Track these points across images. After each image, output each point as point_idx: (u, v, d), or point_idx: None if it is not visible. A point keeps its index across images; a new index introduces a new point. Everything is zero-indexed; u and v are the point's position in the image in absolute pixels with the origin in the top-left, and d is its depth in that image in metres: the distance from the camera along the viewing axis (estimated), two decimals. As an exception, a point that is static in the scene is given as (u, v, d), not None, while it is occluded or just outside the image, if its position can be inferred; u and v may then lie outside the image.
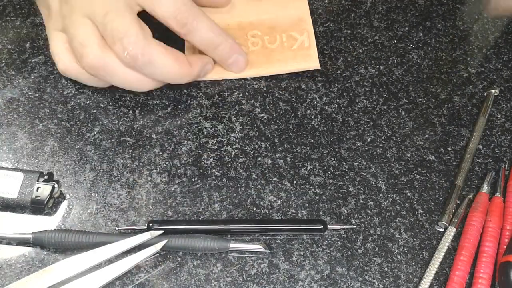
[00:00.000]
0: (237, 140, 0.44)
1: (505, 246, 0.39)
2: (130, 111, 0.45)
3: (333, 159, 0.44)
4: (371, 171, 0.43)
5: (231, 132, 0.44)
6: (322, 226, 0.40)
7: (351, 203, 0.42)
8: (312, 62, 0.47)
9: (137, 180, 0.42)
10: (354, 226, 0.41)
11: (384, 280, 0.39)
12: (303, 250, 0.40)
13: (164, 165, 0.42)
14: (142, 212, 0.40)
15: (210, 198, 0.41)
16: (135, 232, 0.39)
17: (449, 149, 0.45)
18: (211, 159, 0.43)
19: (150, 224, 0.39)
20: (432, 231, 0.41)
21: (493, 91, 0.47)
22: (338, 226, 0.41)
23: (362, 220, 0.41)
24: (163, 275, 0.38)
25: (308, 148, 0.44)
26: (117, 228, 0.39)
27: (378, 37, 0.50)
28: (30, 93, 0.45)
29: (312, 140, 0.44)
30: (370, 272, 0.39)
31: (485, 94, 0.47)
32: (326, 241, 0.40)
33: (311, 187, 0.42)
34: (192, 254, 0.39)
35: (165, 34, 0.42)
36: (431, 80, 0.48)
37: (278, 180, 0.42)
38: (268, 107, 0.46)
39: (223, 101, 0.46)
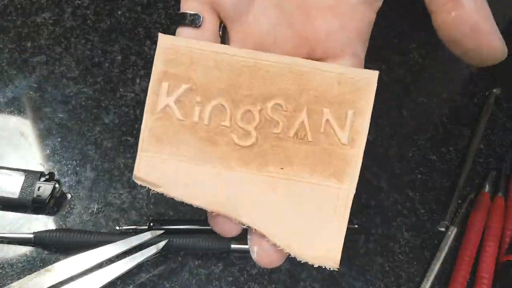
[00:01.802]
0: (238, 139, 0.44)
1: (507, 246, 0.39)
2: (131, 111, 0.44)
3: (334, 158, 0.44)
4: (373, 171, 0.43)
5: (232, 131, 0.44)
6: (323, 226, 0.40)
7: (353, 202, 0.42)
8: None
9: (138, 179, 0.42)
10: (356, 226, 0.41)
11: (386, 280, 0.39)
12: (304, 249, 0.40)
13: (165, 164, 0.42)
14: (143, 212, 0.40)
15: (211, 197, 0.41)
16: (136, 231, 0.39)
17: (451, 148, 0.45)
18: (212, 158, 0.43)
19: (151, 224, 0.39)
20: (433, 230, 0.41)
21: (494, 90, 0.47)
22: (339, 226, 0.40)
23: (364, 219, 0.41)
24: (164, 274, 0.38)
25: (309, 147, 0.44)
26: (118, 228, 0.39)
27: (380, 36, 0.50)
28: (31, 92, 0.45)
29: (314, 140, 0.44)
30: (371, 272, 0.39)
31: (486, 93, 0.47)
32: (328, 241, 0.40)
33: (313, 186, 0.42)
34: (193, 253, 0.39)
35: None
36: (433, 80, 0.48)
37: (279, 179, 0.42)
38: (269, 107, 0.46)
39: (224, 101, 0.46)
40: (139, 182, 0.28)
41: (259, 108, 0.27)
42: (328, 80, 0.27)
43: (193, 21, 0.28)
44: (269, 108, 0.27)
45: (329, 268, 0.28)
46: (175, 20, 0.29)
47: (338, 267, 0.28)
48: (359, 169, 0.27)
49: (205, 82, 0.27)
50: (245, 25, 0.28)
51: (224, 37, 0.29)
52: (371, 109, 0.28)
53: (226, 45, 0.28)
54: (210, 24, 0.28)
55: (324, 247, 0.28)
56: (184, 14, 0.27)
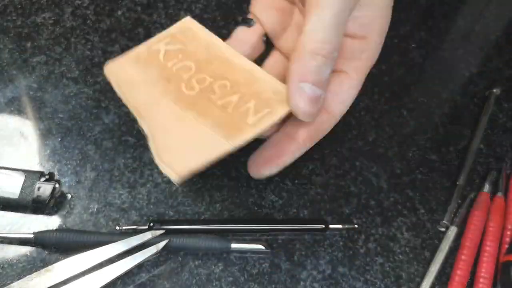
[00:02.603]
0: (238, 139, 0.44)
1: (507, 246, 0.39)
2: (131, 111, 0.44)
3: (334, 158, 0.44)
4: (373, 171, 0.43)
5: (232, 131, 0.44)
6: (323, 226, 0.40)
7: (353, 202, 0.42)
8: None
9: (138, 179, 0.42)
10: (356, 226, 0.41)
11: (386, 280, 0.39)
12: (304, 250, 0.40)
13: (165, 164, 0.42)
14: (143, 212, 0.40)
15: (212, 197, 0.41)
16: (136, 232, 0.39)
17: (451, 148, 0.45)
18: (213, 158, 0.43)
19: (151, 224, 0.39)
20: (433, 230, 0.41)
21: (494, 90, 0.47)
22: (339, 226, 0.41)
23: (364, 219, 0.41)
24: (165, 275, 0.38)
25: (309, 147, 0.44)
26: (118, 228, 0.39)
27: (380, 37, 0.50)
28: (31, 92, 0.45)
29: (314, 140, 0.44)
30: (371, 272, 0.39)
31: (486, 93, 0.47)
32: (328, 241, 0.40)
33: (313, 186, 0.42)
34: (194, 254, 0.39)
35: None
36: (433, 80, 0.48)
37: (279, 179, 0.42)
38: (269, 107, 0.46)
39: (224, 101, 0.46)
40: (106, 74, 0.39)
41: (211, 80, 0.37)
42: (269, 88, 0.37)
43: (248, 22, 0.41)
44: (217, 83, 0.37)
45: (171, 178, 0.34)
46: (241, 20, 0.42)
47: (177, 184, 0.37)
48: (245, 141, 0.35)
49: (192, 51, 0.39)
50: (280, 41, 0.41)
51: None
52: (283, 115, 0.36)
53: (218, 39, 0.40)
54: (258, 30, 0.41)
55: (178, 163, 0.34)
56: (244, 18, 0.41)
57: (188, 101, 0.37)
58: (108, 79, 0.38)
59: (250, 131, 0.35)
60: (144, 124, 0.36)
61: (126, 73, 0.39)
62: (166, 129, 0.36)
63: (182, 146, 0.35)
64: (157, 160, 0.34)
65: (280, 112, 0.36)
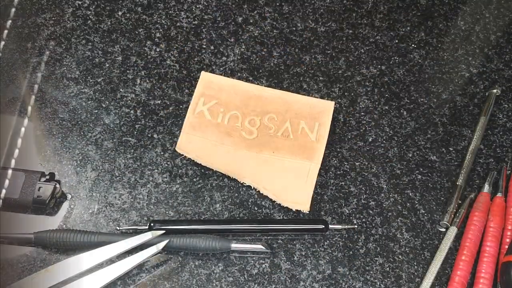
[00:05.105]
0: (238, 140, 0.44)
1: (507, 246, 0.39)
2: (132, 111, 0.45)
3: (334, 159, 0.44)
4: (373, 171, 0.43)
5: (232, 132, 0.44)
6: (323, 226, 0.40)
7: (353, 203, 0.42)
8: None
9: (139, 180, 0.42)
10: (356, 226, 0.41)
11: (386, 280, 0.39)
12: (304, 250, 0.40)
13: (166, 165, 0.42)
14: (143, 212, 0.40)
15: (212, 198, 0.41)
16: (137, 232, 0.39)
17: (451, 149, 0.45)
18: (213, 159, 0.43)
19: (152, 224, 0.39)
20: (433, 231, 0.41)
21: (494, 91, 0.47)
22: (339, 226, 0.41)
23: (364, 220, 0.41)
24: (165, 275, 0.38)
25: (309, 148, 0.44)
26: (118, 228, 0.39)
27: (380, 37, 0.50)
28: (31, 92, 0.45)
29: (314, 140, 0.44)
30: (371, 272, 0.39)
31: (486, 94, 0.47)
32: (328, 241, 0.40)
33: (313, 187, 0.42)
34: (194, 254, 0.39)
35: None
36: (433, 80, 0.48)
37: (279, 180, 0.42)
38: (269, 107, 0.46)
39: (225, 101, 0.46)
40: (180, 151, 0.43)
41: (260, 118, 0.44)
42: (304, 106, 0.44)
43: None
44: (266, 118, 0.44)
45: (302, 210, 0.41)
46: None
47: (309, 210, 0.41)
48: (322, 155, 0.43)
49: (227, 101, 0.44)
50: None
51: None
52: (330, 122, 0.44)
53: (242, 82, 0.45)
54: None
55: (300, 198, 0.41)
56: None
57: (256, 144, 0.43)
58: (187, 156, 0.42)
59: (319, 146, 0.43)
60: (246, 181, 0.42)
61: (194, 144, 0.42)
62: (264, 176, 0.42)
63: (289, 183, 0.41)
64: (283, 203, 0.41)
65: (327, 120, 0.44)
